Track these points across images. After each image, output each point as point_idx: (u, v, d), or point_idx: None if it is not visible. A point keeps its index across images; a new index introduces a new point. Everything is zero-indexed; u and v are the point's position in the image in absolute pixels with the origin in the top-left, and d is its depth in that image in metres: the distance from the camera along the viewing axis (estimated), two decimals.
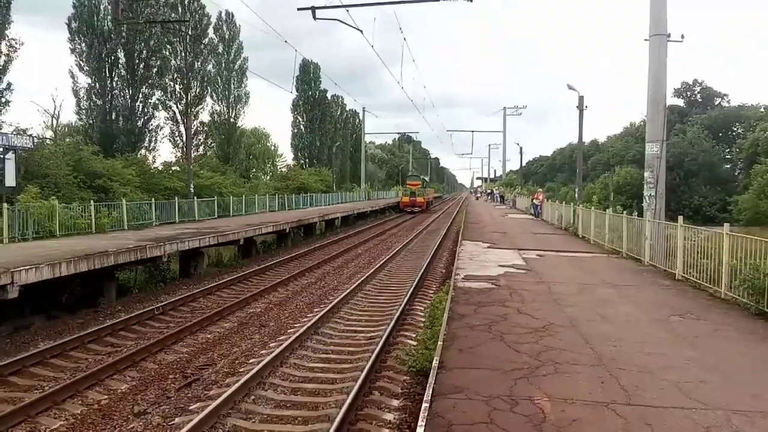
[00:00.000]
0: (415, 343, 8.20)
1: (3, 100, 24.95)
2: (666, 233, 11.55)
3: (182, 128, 37.47)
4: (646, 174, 13.26)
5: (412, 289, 12.77)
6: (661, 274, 11.09)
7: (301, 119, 63.68)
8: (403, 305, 11.02)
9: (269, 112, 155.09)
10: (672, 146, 44.08)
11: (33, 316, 10.34)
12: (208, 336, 9.59)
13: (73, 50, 32.60)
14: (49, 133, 31.80)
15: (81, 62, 32.67)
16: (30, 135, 17.96)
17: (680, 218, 10.72)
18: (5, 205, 14.23)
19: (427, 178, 65.46)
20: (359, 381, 6.73)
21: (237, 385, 6.65)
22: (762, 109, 58.31)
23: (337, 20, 17.35)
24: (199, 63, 37.77)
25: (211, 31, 40.66)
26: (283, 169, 62.60)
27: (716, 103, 66.83)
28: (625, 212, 14.97)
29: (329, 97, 68.10)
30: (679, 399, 4.46)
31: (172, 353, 8.62)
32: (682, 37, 13.11)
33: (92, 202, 17.65)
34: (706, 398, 4.47)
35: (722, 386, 4.80)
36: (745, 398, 4.51)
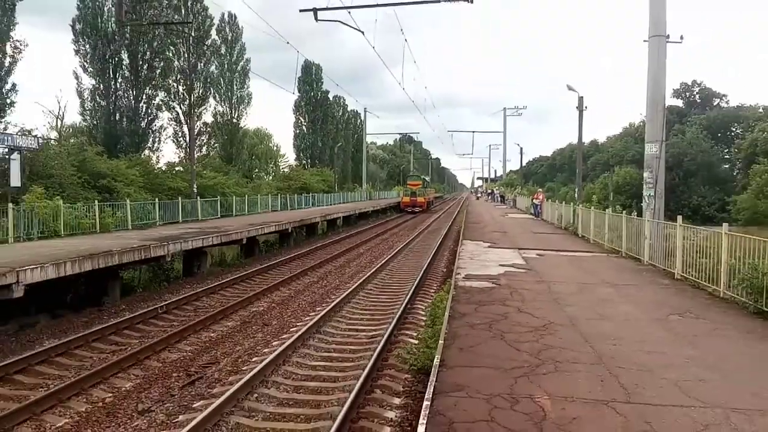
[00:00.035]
0: (416, 341, 8.24)
1: (8, 101, 25.10)
2: (665, 233, 11.59)
3: (185, 129, 37.57)
4: (645, 174, 13.30)
5: (413, 288, 12.82)
6: (660, 273, 11.11)
7: (303, 120, 63.88)
8: (404, 304, 11.07)
9: (272, 113, 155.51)
10: (671, 146, 44.20)
11: (38, 315, 10.43)
12: (212, 335, 9.66)
13: (77, 51, 32.74)
14: (53, 134, 32.01)
15: (85, 63, 32.81)
16: (35, 136, 18.10)
17: (679, 218, 10.73)
18: (10, 205, 14.33)
19: (427, 178, 65.57)
20: (361, 379, 6.78)
21: (240, 383, 6.70)
22: (761, 110, 58.58)
23: (339, 21, 17.45)
24: (202, 64, 37.86)
25: (213, 32, 40.85)
26: (286, 170, 62.86)
27: (715, 103, 67.26)
28: (624, 212, 14.99)
29: (331, 98, 68.42)
30: (679, 397, 4.48)
31: (176, 352, 8.69)
32: (681, 38, 13.16)
33: (96, 202, 17.78)
34: (705, 396, 4.49)
35: (721, 384, 4.82)
36: (744, 396, 4.53)
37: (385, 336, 8.75)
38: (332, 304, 11.15)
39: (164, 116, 36.77)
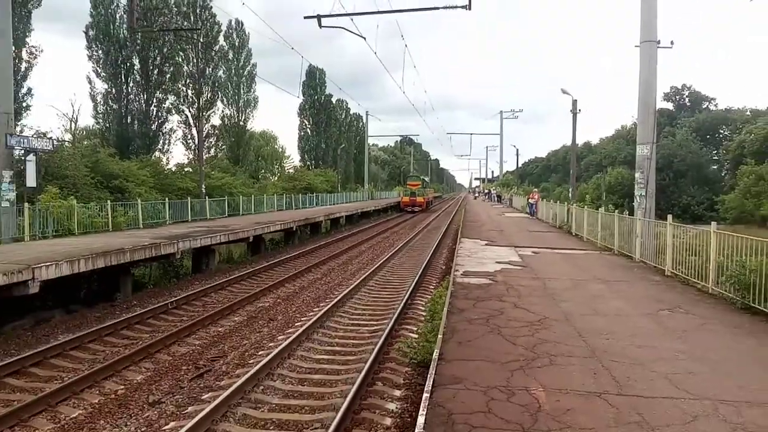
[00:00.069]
0: (416, 336, 8.36)
1: (24, 104, 25.63)
2: (656, 231, 11.73)
3: (194, 131, 38.06)
4: (636, 175, 13.42)
5: (413, 284, 12.98)
6: (651, 270, 11.21)
7: (307, 122, 64.64)
8: (404, 300, 11.23)
9: (277, 116, 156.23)
10: (661, 148, 44.18)
11: (53, 310, 10.67)
12: (220, 329, 9.84)
13: (90, 57, 33.42)
14: (68, 136, 32.52)
15: (98, 68, 33.50)
16: (50, 138, 18.42)
17: (669, 217, 10.86)
18: (27, 204, 14.67)
19: (427, 179, 65.86)
20: (363, 372, 6.91)
21: (247, 375, 6.85)
22: (748, 113, 58.86)
23: (342, 28, 17.79)
24: (210, 69, 38.31)
25: (221, 38, 41.32)
26: (290, 170, 63.25)
27: (704, 106, 67.67)
28: (616, 211, 15.14)
29: (334, 102, 68.98)
30: (669, 389, 4.57)
31: (185, 345, 8.87)
32: (672, 43, 13.34)
33: (109, 201, 18.13)
34: (694, 389, 4.57)
35: (710, 377, 4.91)
36: (732, 389, 4.61)
37: (386, 330, 8.91)
38: (335, 300, 11.34)
39: (174, 119, 37.38)
